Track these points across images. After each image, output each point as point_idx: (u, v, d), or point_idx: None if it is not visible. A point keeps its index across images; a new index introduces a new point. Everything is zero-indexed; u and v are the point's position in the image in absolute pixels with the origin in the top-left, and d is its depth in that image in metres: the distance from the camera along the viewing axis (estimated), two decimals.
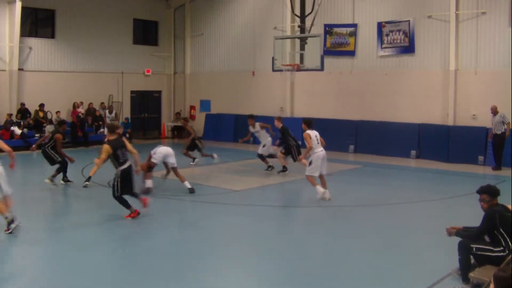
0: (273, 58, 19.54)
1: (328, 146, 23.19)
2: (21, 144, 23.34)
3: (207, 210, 12.64)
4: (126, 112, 28.64)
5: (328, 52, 23.28)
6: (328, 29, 23.73)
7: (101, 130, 26.49)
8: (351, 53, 23.44)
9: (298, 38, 20.67)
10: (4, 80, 24.34)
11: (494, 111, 18.21)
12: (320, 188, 13.11)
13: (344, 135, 23.22)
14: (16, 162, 10.40)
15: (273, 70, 20.00)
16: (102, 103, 27.62)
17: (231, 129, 27.38)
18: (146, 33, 30.29)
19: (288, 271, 8.36)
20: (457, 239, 7.56)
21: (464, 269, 7.30)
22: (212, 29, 28.77)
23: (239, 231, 10.75)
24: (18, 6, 23.80)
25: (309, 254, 9.28)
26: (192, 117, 29.76)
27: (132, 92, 29.19)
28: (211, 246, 9.65)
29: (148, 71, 29.53)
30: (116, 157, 11.13)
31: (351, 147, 23.04)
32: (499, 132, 18.05)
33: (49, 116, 25.29)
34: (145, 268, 8.34)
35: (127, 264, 8.69)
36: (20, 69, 24.71)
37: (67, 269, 8.31)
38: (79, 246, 9.53)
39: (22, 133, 23.50)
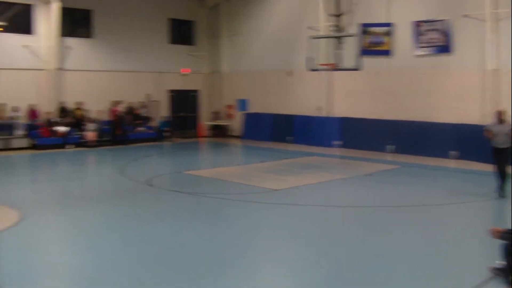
0: (309, 58, 19.56)
1: (366, 145, 23.51)
2: (60, 142, 23.88)
3: (246, 208, 12.79)
4: (164, 111, 28.97)
5: (365, 51, 23.13)
6: (364, 28, 23.61)
7: (140, 128, 26.86)
8: (387, 53, 23.28)
9: (334, 37, 20.66)
10: (44, 79, 24.91)
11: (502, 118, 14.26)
12: None
13: (381, 135, 23.05)
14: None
15: (309, 70, 20.03)
16: (141, 102, 27.97)
17: (269, 128, 27.34)
18: (182, 33, 30.52)
19: (327, 270, 8.40)
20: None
21: (510, 274, 7.25)
22: (247, 28, 28.90)
23: (279, 230, 10.83)
24: (57, 6, 24.42)
25: (350, 254, 9.30)
26: (230, 116, 29.90)
27: (170, 91, 29.50)
28: (250, 245, 9.76)
29: (185, 71, 29.79)
30: None
31: (389, 147, 22.89)
32: (506, 146, 14.06)
33: (89, 114, 25.76)
34: (180, 266, 8.51)
35: (162, 261, 8.79)
36: (60, 69, 25.23)
37: (92, 261, 8.55)
38: (108, 243, 9.77)
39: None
